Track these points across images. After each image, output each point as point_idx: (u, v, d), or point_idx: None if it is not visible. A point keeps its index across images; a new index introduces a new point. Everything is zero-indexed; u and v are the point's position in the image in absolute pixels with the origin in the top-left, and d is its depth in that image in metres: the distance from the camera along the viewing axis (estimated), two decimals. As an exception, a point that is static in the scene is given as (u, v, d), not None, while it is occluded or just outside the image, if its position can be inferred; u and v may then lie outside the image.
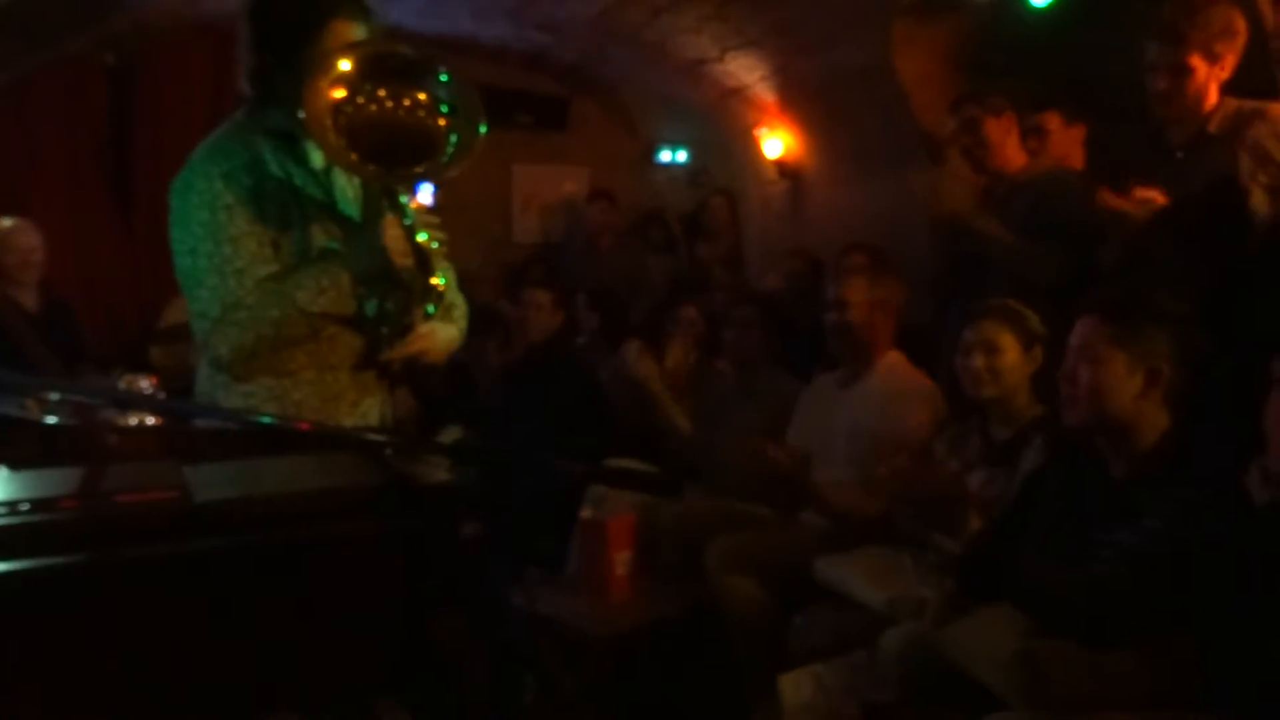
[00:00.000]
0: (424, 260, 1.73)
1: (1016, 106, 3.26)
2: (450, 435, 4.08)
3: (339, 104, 1.64)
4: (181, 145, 6.28)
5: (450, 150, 1.70)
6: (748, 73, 4.98)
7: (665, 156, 6.45)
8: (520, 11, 5.00)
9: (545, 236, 6.37)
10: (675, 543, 3.12)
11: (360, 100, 1.66)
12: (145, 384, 2.70)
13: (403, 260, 1.72)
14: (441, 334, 1.88)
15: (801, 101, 5.00)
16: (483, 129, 1.71)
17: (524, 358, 4.28)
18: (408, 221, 1.71)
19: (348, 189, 1.89)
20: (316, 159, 1.84)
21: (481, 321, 3.28)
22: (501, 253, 6.14)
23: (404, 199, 1.72)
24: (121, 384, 2.85)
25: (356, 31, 1.76)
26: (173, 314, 4.63)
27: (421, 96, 1.69)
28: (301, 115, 1.63)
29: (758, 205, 5.78)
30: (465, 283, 2.05)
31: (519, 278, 5.34)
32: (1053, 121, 3.41)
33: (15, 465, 1.35)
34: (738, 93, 5.24)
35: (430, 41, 5.00)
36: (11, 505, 1.05)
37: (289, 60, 1.73)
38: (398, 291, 1.78)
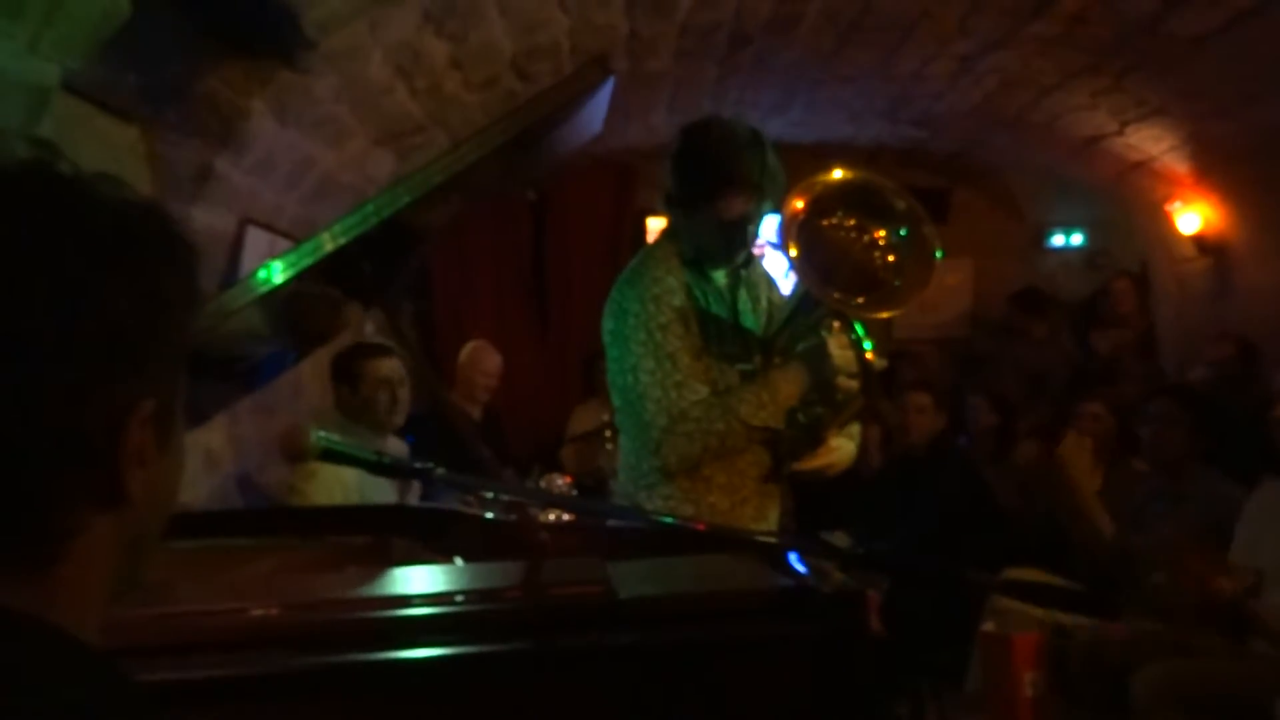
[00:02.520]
0: (870, 380, 1.77)
1: None
2: (836, 541, 4.02)
3: (809, 219, 1.75)
4: (586, 266, 6.91)
5: (891, 294, 1.77)
6: (1154, 143, 4.56)
7: (1058, 240, 6.06)
8: (896, 110, 5.01)
9: (935, 331, 6.17)
10: (1092, 666, 2.80)
11: (831, 221, 1.77)
12: (561, 482, 2.96)
13: (846, 380, 1.77)
14: (846, 448, 1.91)
15: (1223, 168, 4.47)
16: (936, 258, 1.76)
17: (905, 458, 4.14)
18: (864, 343, 1.76)
19: (748, 308, 2.00)
20: (720, 279, 1.97)
21: (862, 421, 3.25)
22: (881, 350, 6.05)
23: (857, 323, 1.79)
24: (541, 483, 3.15)
25: (743, 205, 1.88)
26: (579, 421, 5.08)
27: (880, 235, 1.78)
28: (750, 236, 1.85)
29: (1172, 286, 5.21)
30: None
31: (894, 376, 5.23)
32: None
33: (465, 556, 1.53)
34: (1142, 166, 4.81)
35: (807, 149, 5.16)
36: (464, 594, 1.19)
37: (690, 210, 1.91)
38: (825, 408, 1.83)
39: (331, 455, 1.07)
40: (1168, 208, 4.88)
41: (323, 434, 1.06)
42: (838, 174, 1.79)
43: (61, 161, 0.63)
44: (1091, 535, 3.30)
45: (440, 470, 1.11)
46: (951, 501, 3.80)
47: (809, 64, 4.32)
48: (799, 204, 1.74)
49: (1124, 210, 5.37)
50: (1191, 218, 4.78)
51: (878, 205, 1.80)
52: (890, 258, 1.78)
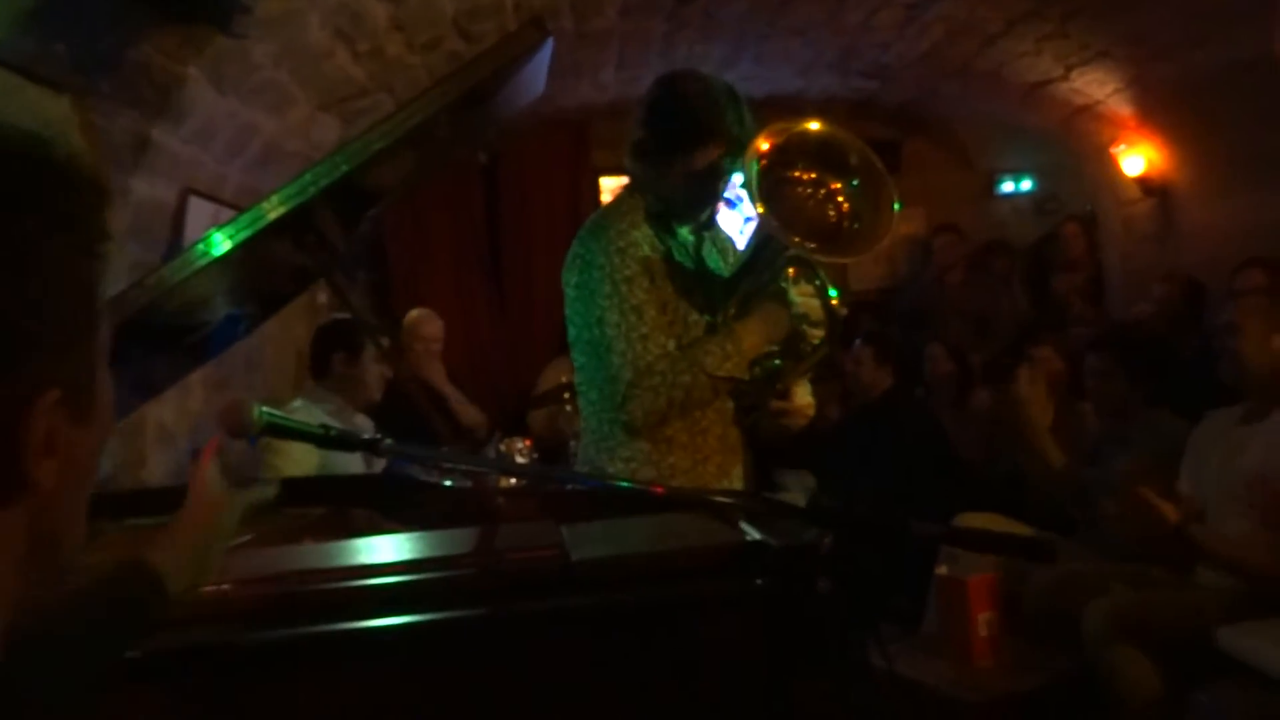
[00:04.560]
0: (835, 328, 1.78)
1: None
2: (794, 479, 4.08)
3: (771, 168, 1.73)
4: (542, 228, 6.82)
5: (849, 242, 1.78)
6: (1099, 87, 4.60)
7: (1008, 187, 6.12)
8: (845, 62, 5.00)
9: (890, 280, 6.21)
10: (1045, 603, 2.87)
11: (792, 174, 1.76)
12: (521, 445, 2.96)
13: (814, 328, 1.78)
14: (808, 400, 1.93)
15: (1165, 111, 4.53)
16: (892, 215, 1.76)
17: (863, 408, 4.20)
18: (829, 290, 1.77)
19: (715, 264, 2.01)
20: (685, 234, 1.96)
21: (820, 372, 3.28)
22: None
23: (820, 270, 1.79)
24: (501, 447, 3.15)
25: (717, 157, 1.84)
26: (545, 381, 5.07)
27: (837, 186, 1.78)
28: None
29: (1118, 228, 5.30)
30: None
31: (849, 328, 5.27)
32: None
33: (423, 526, 1.54)
34: (1088, 110, 4.86)
35: (758, 103, 5.13)
36: (420, 562, 1.19)
37: (661, 162, 1.87)
38: (787, 359, 1.84)
39: (275, 430, 1.06)
40: (1113, 150, 4.95)
41: (265, 409, 1.05)
42: (814, 126, 1.79)
43: None
44: (1040, 467, 3.37)
45: (389, 442, 1.11)
46: (908, 448, 3.87)
47: (757, 17, 4.29)
48: (765, 145, 1.72)
49: (1071, 155, 5.43)
50: (1136, 160, 4.85)
51: (836, 160, 1.80)
52: (846, 207, 1.79)
